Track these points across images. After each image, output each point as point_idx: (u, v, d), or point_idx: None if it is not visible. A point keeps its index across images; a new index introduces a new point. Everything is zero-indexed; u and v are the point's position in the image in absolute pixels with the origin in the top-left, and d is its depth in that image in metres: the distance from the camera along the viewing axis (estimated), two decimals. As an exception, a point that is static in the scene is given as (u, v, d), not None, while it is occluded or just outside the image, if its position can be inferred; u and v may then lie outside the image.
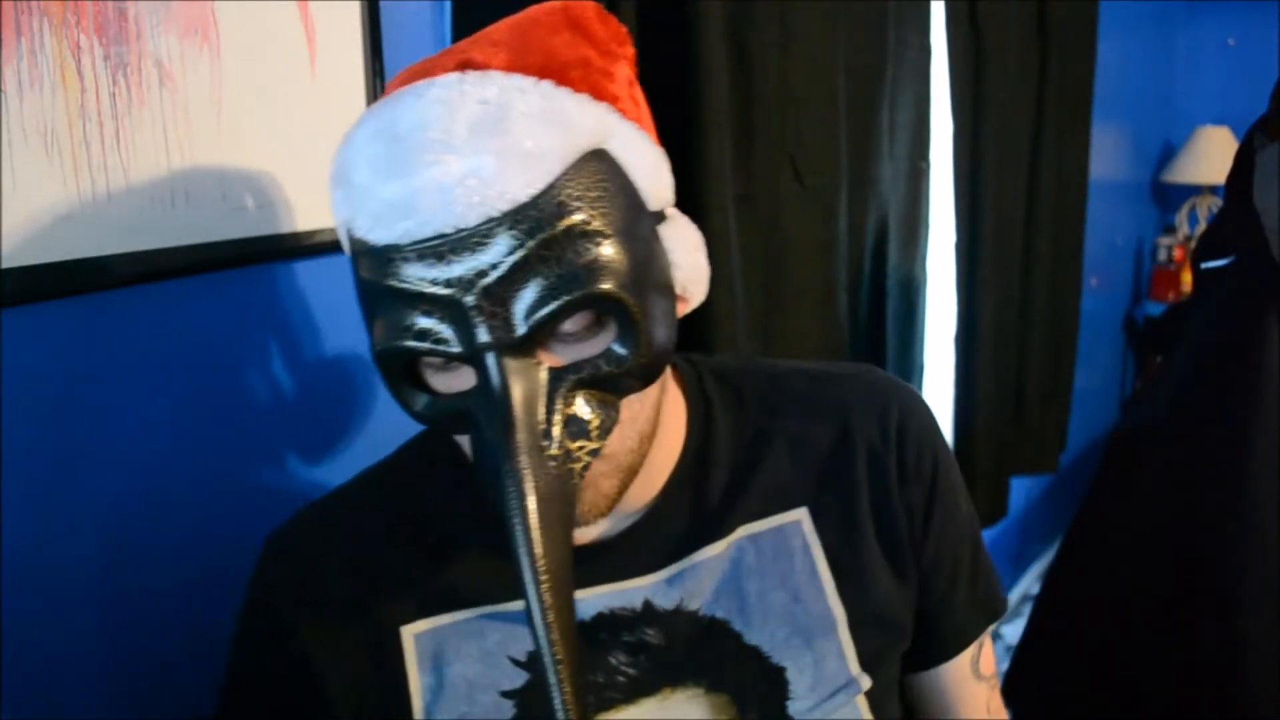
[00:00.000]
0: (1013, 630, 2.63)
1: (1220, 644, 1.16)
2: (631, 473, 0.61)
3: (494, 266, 0.50)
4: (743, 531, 0.68)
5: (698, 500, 0.68)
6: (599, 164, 0.54)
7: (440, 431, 0.57)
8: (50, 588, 0.75)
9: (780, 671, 0.66)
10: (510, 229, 0.50)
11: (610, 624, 0.65)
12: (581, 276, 0.52)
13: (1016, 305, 2.14)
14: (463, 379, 0.56)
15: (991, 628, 0.78)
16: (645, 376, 0.57)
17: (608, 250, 0.53)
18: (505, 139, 0.50)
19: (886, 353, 1.65)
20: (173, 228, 0.78)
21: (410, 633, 0.64)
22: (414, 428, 0.75)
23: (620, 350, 0.55)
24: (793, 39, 1.32)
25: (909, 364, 1.73)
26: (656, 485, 0.68)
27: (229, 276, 0.84)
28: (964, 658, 0.77)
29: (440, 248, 0.50)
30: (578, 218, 0.52)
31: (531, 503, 0.51)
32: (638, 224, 0.56)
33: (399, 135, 0.51)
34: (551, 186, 0.51)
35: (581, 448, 0.55)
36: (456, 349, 0.52)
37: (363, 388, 0.97)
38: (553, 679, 0.50)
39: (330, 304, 0.93)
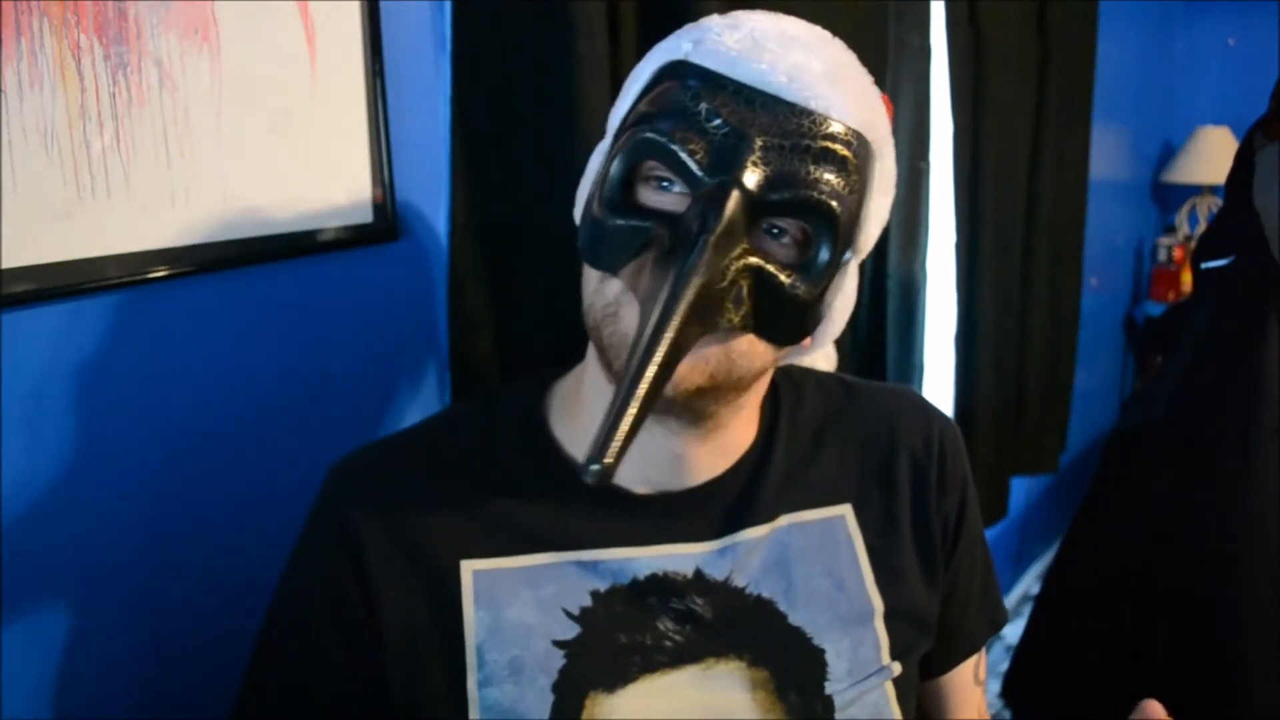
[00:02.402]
0: (1013, 630, 2.62)
1: (1220, 643, 1.16)
2: (715, 389, 0.63)
3: (793, 140, 0.59)
4: (785, 520, 0.71)
5: (753, 483, 0.71)
6: (871, 159, 0.64)
7: (603, 246, 0.61)
8: (50, 589, 0.75)
9: (821, 653, 0.69)
10: (818, 128, 0.60)
11: (662, 587, 0.67)
12: (834, 192, 0.60)
13: (1016, 305, 2.13)
14: (674, 203, 0.61)
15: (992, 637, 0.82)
16: (798, 317, 0.62)
17: (850, 199, 0.61)
18: (856, 86, 0.63)
19: (886, 353, 1.65)
20: (173, 228, 0.79)
21: (470, 568, 0.66)
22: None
23: (822, 256, 0.61)
24: (793, 39, 1.32)
25: (909, 364, 1.73)
26: (728, 461, 0.71)
27: (229, 276, 0.84)
28: (968, 665, 0.82)
29: (768, 100, 0.59)
30: (853, 159, 0.61)
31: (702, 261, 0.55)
32: (855, 226, 0.64)
33: (785, 29, 0.63)
34: (859, 135, 0.62)
35: (729, 314, 0.59)
36: (701, 174, 0.58)
37: (366, 386, 0.97)
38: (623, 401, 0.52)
39: (331, 304, 0.93)
